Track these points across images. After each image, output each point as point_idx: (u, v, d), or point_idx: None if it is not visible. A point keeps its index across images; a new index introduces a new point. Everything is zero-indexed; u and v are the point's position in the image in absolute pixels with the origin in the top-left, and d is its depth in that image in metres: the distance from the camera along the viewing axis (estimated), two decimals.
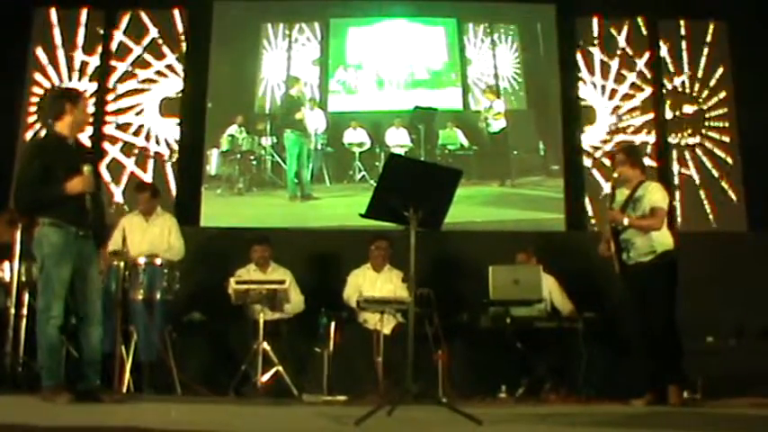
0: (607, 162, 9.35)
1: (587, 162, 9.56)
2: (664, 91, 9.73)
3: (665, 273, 6.24)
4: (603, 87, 9.73)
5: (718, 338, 7.74)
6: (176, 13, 9.80)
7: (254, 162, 9.65)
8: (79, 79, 9.59)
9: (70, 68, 9.59)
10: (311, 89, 9.84)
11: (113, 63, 9.66)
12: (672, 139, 9.55)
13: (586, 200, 9.43)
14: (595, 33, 9.85)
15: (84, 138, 6.14)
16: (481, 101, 9.86)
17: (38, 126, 9.17)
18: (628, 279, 6.34)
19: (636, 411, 5.81)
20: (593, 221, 9.37)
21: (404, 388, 4.69)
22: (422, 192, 4.84)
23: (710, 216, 9.18)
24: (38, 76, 9.54)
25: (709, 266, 6.64)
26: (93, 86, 9.51)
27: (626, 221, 6.26)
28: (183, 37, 9.77)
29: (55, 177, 5.41)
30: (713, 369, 6.90)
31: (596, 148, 9.60)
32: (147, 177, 9.34)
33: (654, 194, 6.32)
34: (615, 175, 6.60)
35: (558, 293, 7.86)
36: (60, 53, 9.64)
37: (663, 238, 6.28)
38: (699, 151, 9.52)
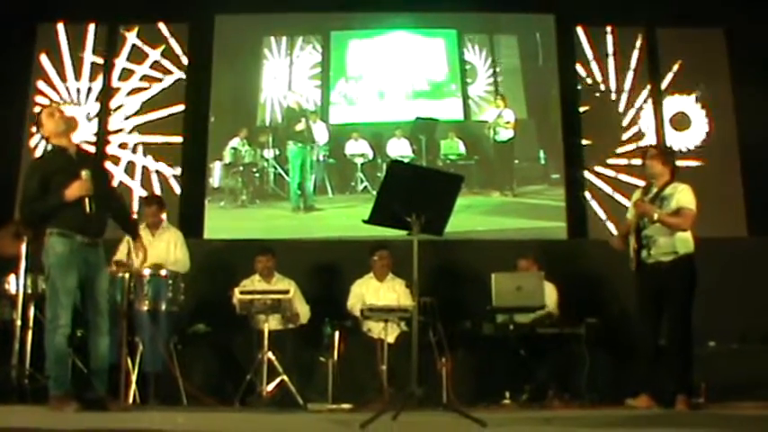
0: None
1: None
2: (663, 98, 9.78)
3: (685, 275, 6.18)
4: (603, 94, 9.77)
5: (720, 343, 7.76)
6: (178, 27, 9.87)
7: (257, 174, 9.71)
8: (86, 96, 9.68)
9: (74, 84, 9.66)
10: (313, 101, 9.91)
11: (116, 78, 9.73)
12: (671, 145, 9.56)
13: (586, 208, 9.47)
14: (593, 42, 9.91)
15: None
16: (486, 109, 9.92)
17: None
18: (644, 278, 6.28)
19: (640, 414, 5.82)
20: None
21: (408, 391, 4.72)
22: (424, 197, 4.90)
23: (709, 222, 9.15)
24: (42, 92, 9.61)
25: (712, 271, 6.64)
26: (97, 103, 9.62)
27: (656, 216, 6.16)
28: (185, 51, 9.83)
29: (54, 187, 5.49)
30: (716, 373, 6.88)
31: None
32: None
33: (684, 196, 6.25)
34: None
35: (552, 300, 7.86)
36: (63, 69, 9.71)
37: (686, 241, 6.23)
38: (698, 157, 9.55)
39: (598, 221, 9.42)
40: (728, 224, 9.18)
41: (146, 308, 6.95)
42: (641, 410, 5.97)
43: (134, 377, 6.76)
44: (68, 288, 5.46)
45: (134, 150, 9.59)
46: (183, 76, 9.78)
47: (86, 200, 5.51)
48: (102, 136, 9.54)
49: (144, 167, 9.55)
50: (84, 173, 5.53)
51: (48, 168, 5.58)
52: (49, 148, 5.80)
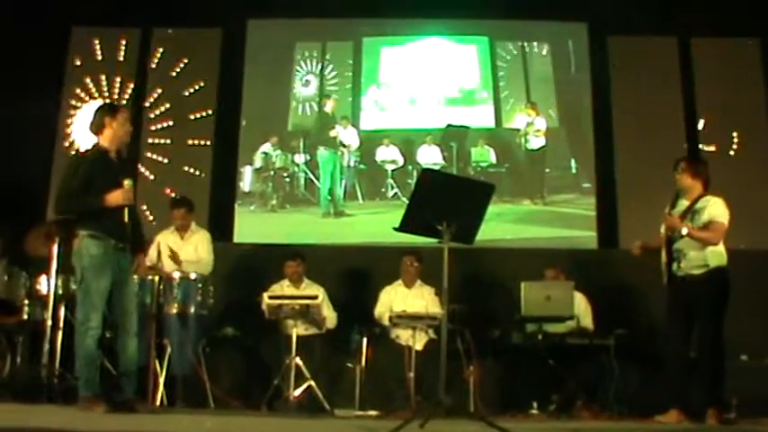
0: None
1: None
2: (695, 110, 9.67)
3: (716, 289, 6.07)
4: (635, 105, 9.68)
5: (752, 357, 7.66)
6: (211, 32, 9.91)
7: (288, 179, 9.73)
8: (117, 98, 9.73)
9: (109, 87, 9.73)
10: (344, 107, 9.92)
11: (148, 82, 9.79)
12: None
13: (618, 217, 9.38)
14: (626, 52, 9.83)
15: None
16: (516, 118, 9.86)
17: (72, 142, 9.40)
18: (675, 291, 6.19)
19: (669, 428, 5.76)
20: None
21: (436, 400, 4.70)
22: (455, 206, 4.89)
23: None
24: (74, 95, 9.69)
25: (744, 284, 6.57)
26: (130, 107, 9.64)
27: (684, 231, 6.06)
28: (217, 56, 9.87)
29: (95, 189, 5.53)
30: (748, 388, 6.76)
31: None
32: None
33: (715, 209, 6.14)
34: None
35: (583, 310, 7.81)
36: (96, 73, 9.78)
37: (718, 254, 6.10)
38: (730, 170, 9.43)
39: (629, 231, 9.31)
40: (758, 239, 9.05)
41: (175, 311, 7.01)
42: (667, 425, 5.89)
43: (162, 380, 6.80)
44: (102, 290, 5.50)
45: (165, 154, 9.62)
46: (216, 81, 9.81)
47: (125, 209, 5.56)
48: (134, 139, 9.56)
49: (174, 171, 9.58)
50: (126, 182, 5.58)
51: (92, 168, 5.61)
52: (91, 146, 5.82)
